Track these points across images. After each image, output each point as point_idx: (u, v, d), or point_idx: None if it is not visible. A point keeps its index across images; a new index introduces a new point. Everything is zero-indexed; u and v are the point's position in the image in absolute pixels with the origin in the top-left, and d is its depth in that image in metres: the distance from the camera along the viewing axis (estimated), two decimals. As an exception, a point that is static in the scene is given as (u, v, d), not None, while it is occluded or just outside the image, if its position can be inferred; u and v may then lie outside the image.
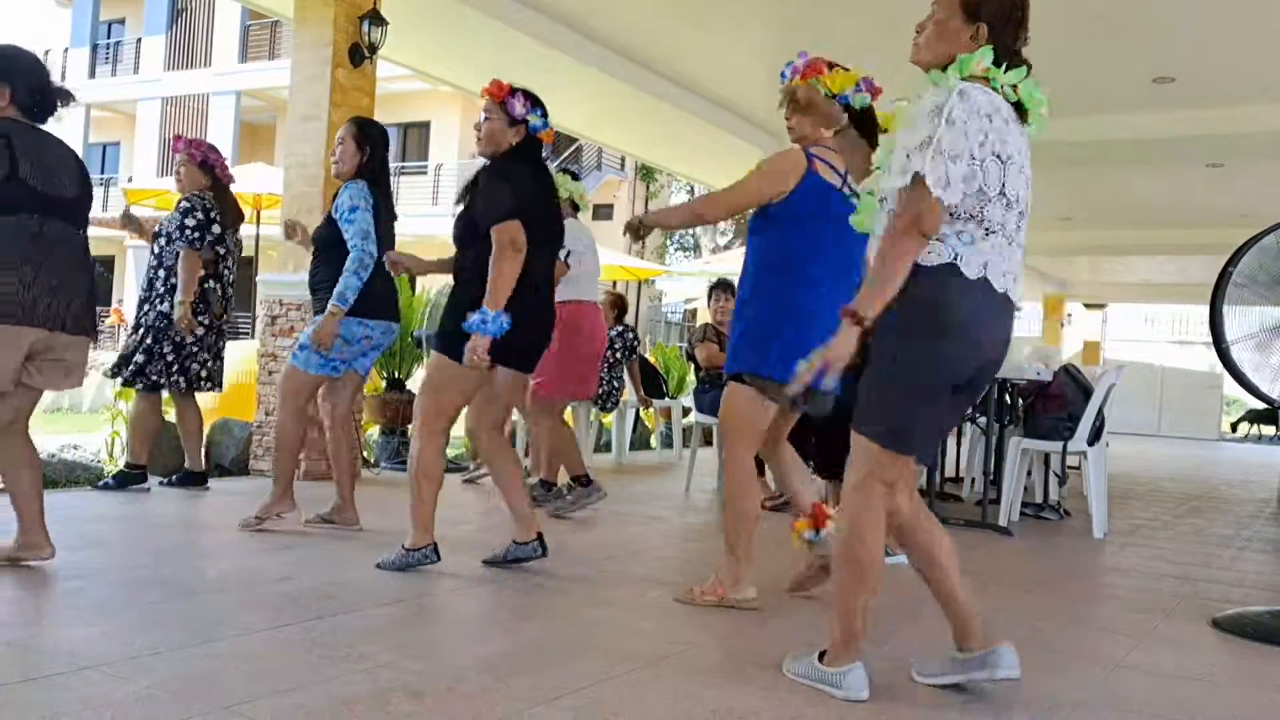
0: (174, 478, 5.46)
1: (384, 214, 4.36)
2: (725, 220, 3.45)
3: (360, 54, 6.25)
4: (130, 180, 21.80)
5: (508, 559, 3.80)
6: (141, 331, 5.21)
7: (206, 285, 5.23)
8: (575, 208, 5.59)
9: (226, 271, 5.35)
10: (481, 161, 3.84)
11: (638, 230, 3.57)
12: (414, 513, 3.68)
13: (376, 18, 6.29)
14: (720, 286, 6.65)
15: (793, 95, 3.35)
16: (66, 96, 3.41)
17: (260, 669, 2.49)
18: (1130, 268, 19.38)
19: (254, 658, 2.59)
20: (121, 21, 27.89)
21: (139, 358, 5.18)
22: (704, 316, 6.22)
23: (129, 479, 5.21)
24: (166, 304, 5.17)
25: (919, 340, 2.39)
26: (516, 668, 2.62)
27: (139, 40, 25.80)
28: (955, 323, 2.37)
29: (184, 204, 5.22)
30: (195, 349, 5.26)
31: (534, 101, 3.78)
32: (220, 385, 5.46)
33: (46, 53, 28.54)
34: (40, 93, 3.31)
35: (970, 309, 2.38)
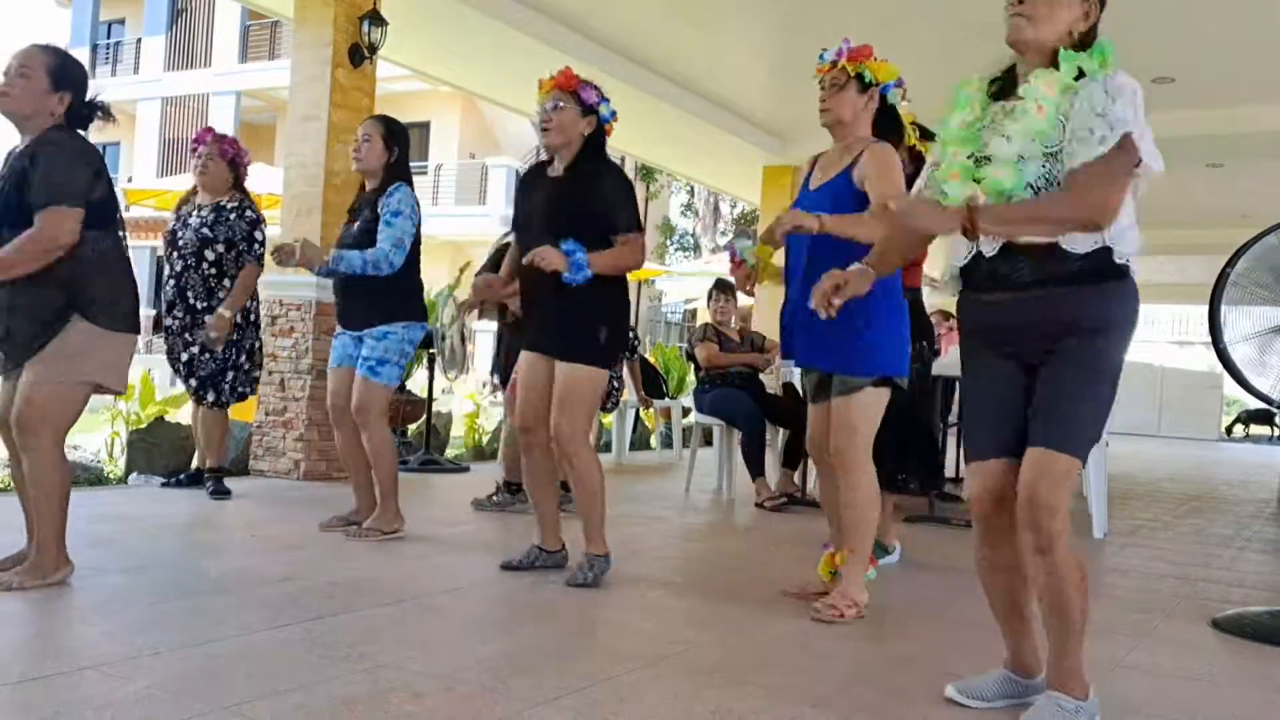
0: (182, 477, 5.45)
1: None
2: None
3: (360, 54, 6.25)
4: (130, 180, 21.77)
5: (535, 565, 3.78)
6: (220, 349, 5.07)
7: (257, 289, 5.26)
8: None
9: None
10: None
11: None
12: (596, 525, 3.63)
13: (376, 18, 6.29)
14: (720, 287, 6.64)
15: (845, 79, 3.32)
16: (109, 114, 3.38)
17: (260, 669, 2.49)
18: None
19: (254, 658, 2.59)
20: (121, 21, 27.88)
21: (230, 374, 5.15)
22: (704, 316, 6.21)
23: (220, 485, 5.17)
24: (238, 317, 5.08)
25: (1124, 346, 2.30)
26: (516, 668, 2.62)
27: (139, 40, 25.78)
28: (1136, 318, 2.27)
29: (250, 214, 5.11)
30: (258, 352, 5.30)
31: (600, 92, 3.71)
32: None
33: (46, 53, 28.54)
34: (89, 106, 3.30)
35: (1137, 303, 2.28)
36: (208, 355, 5.09)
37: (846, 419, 3.33)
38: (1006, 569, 2.40)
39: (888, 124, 3.42)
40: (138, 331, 3.25)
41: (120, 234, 3.24)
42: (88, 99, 3.28)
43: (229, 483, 5.30)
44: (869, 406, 3.33)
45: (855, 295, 2.59)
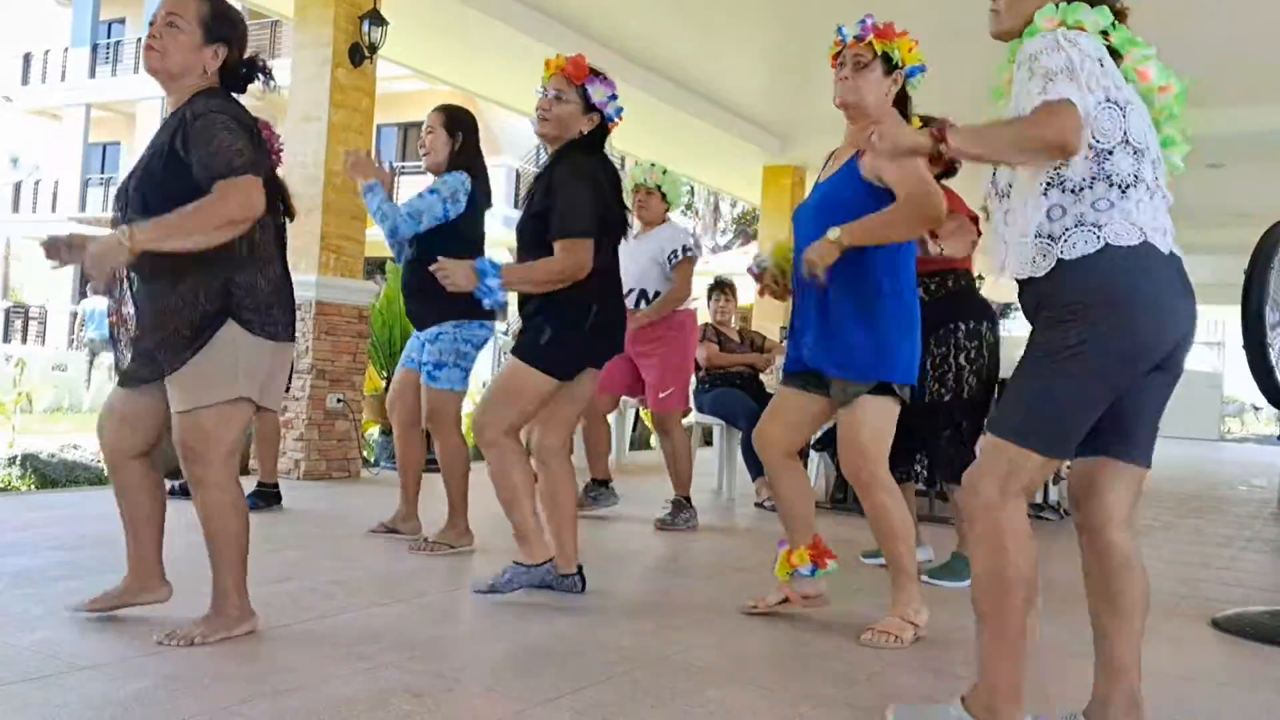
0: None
1: (480, 205, 4.12)
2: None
3: (360, 54, 6.25)
4: (130, 180, 21.73)
5: (544, 584, 3.38)
6: None
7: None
8: (669, 207, 5.45)
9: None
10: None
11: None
12: (518, 529, 3.35)
13: (376, 18, 6.29)
14: (720, 286, 6.64)
15: (862, 58, 3.08)
16: (270, 76, 2.86)
17: (260, 669, 2.49)
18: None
19: (254, 658, 2.59)
20: (121, 21, 27.88)
21: None
22: (704, 316, 6.20)
23: (270, 499, 4.89)
24: None
25: (1096, 333, 2.07)
26: (516, 668, 2.62)
27: (139, 40, 25.75)
28: (1128, 303, 2.04)
29: None
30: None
31: (614, 88, 3.42)
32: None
33: (46, 53, 28.57)
34: (248, 65, 2.82)
35: (1141, 283, 2.05)
36: None
37: (853, 437, 3.09)
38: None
39: (903, 114, 3.12)
40: (292, 339, 2.83)
41: (279, 225, 2.83)
42: (246, 56, 2.81)
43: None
44: (872, 421, 3.07)
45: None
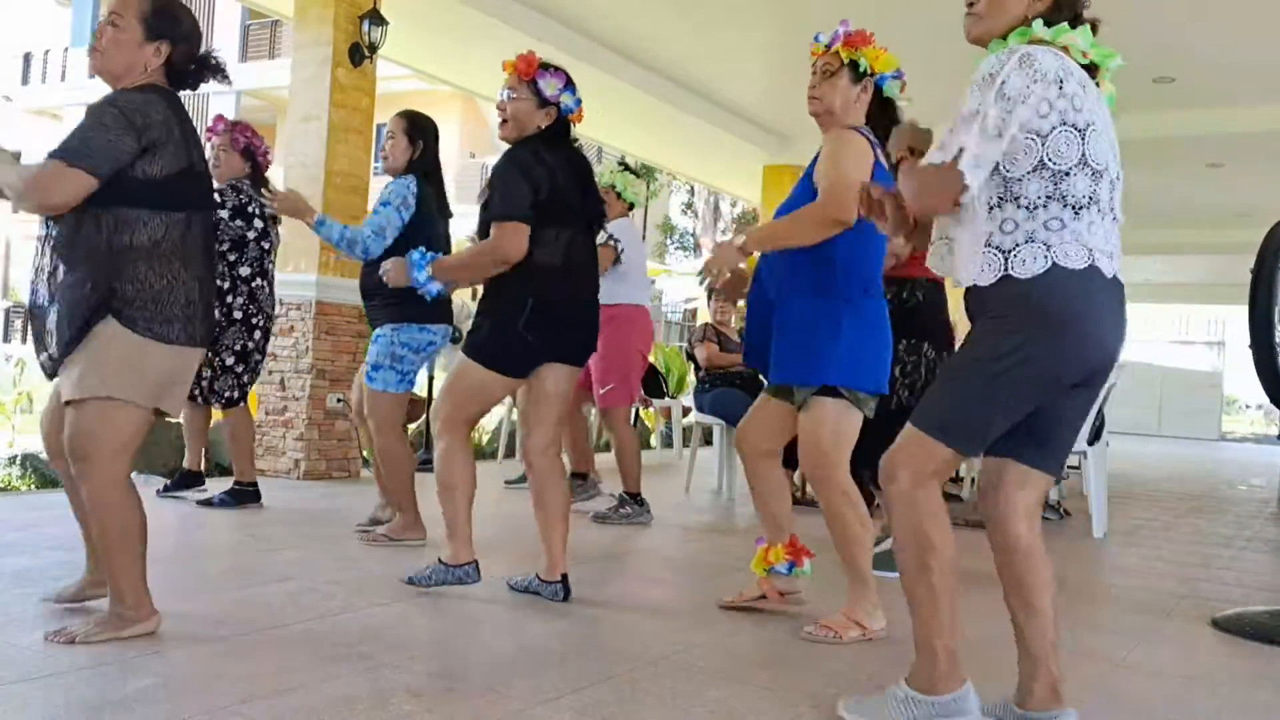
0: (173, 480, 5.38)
1: (438, 211, 4.19)
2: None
3: (360, 54, 6.25)
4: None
5: (528, 589, 3.41)
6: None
7: (255, 284, 4.90)
8: (630, 206, 5.45)
9: (272, 267, 5.01)
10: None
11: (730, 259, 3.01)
12: (449, 527, 3.35)
13: (376, 18, 6.29)
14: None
15: (832, 66, 3.08)
16: (223, 75, 2.81)
17: (260, 669, 2.49)
18: (1130, 268, 19.33)
19: (254, 658, 2.59)
20: (121, 21, 27.84)
21: (205, 374, 4.84)
22: (704, 316, 6.20)
23: (245, 496, 4.93)
24: (215, 311, 4.74)
25: (1017, 339, 2.14)
26: (516, 668, 2.62)
27: (139, 40, 25.79)
28: (1064, 325, 2.11)
29: (223, 199, 4.78)
30: (255, 353, 4.97)
31: (566, 79, 3.36)
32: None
33: (46, 53, 28.56)
34: (197, 62, 2.76)
35: (1081, 307, 2.10)
36: None
37: (806, 438, 3.08)
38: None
39: (884, 119, 3.16)
40: (195, 344, 2.69)
41: (197, 224, 2.68)
42: (199, 53, 2.74)
43: (228, 483, 5.22)
44: (827, 423, 3.04)
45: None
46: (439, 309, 4.17)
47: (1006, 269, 2.12)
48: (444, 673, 2.53)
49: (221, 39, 23.58)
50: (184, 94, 2.80)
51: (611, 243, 5.16)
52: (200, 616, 2.95)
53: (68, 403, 2.59)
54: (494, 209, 3.21)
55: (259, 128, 5.39)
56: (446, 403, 3.33)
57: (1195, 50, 7.37)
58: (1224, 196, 11.83)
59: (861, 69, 3.09)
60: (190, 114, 2.75)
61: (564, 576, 3.35)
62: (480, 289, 3.43)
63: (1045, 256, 2.09)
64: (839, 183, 2.91)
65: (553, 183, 3.25)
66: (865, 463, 3.28)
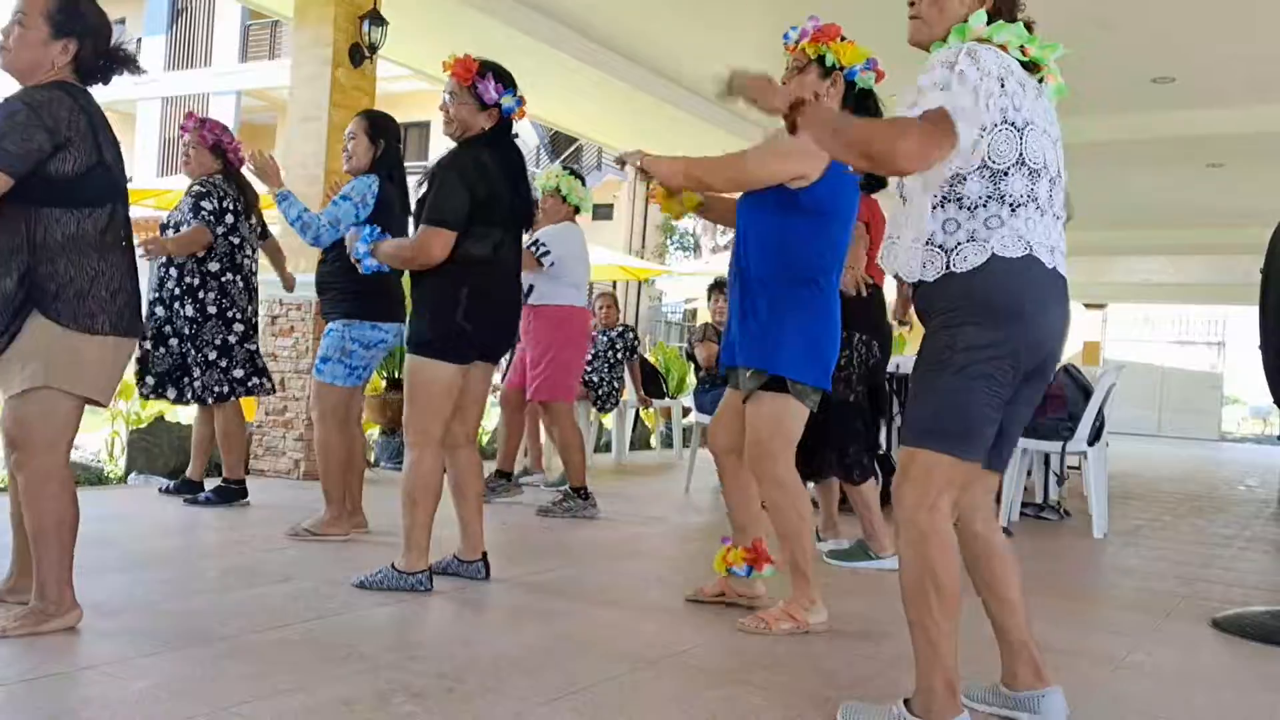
0: (170, 485, 5.32)
1: (399, 209, 4.24)
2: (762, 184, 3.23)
3: (360, 54, 6.25)
4: (130, 180, 21.73)
5: (446, 571, 3.57)
6: (175, 342, 4.82)
7: (225, 279, 4.86)
8: (576, 210, 5.55)
9: (246, 261, 4.99)
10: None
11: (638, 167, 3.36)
12: (406, 533, 3.39)
13: (376, 18, 6.29)
14: (720, 286, 6.64)
15: (802, 64, 3.12)
16: (135, 67, 2.84)
17: (260, 669, 2.49)
18: (1130, 268, 19.39)
19: (254, 658, 2.59)
20: (121, 21, 27.81)
21: (196, 371, 4.82)
22: (704, 316, 6.20)
23: (231, 494, 4.96)
24: (190, 307, 4.81)
25: (975, 330, 2.17)
26: (517, 668, 2.62)
27: (139, 40, 25.70)
28: (1010, 311, 2.14)
29: (197, 188, 4.84)
30: (237, 346, 4.90)
31: (505, 80, 3.46)
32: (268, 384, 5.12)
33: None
34: (106, 57, 2.79)
35: (1023, 293, 2.14)
36: (162, 350, 4.84)
37: (751, 433, 3.13)
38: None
39: (864, 110, 3.12)
40: (122, 334, 2.72)
41: (113, 216, 2.71)
42: (108, 48, 2.78)
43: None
44: (768, 416, 3.10)
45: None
46: (393, 308, 4.28)
47: (949, 266, 2.17)
48: (444, 673, 2.53)
49: (222, 39, 23.61)
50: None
51: (533, 248, 5.25)
52: (200, 616, 2.95)
53: (10, 397, 2.64)
54: (428, 212, 3.32)
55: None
56: (412, 414, 3.41)
57: (1195, 50, 7.37)
58: (1224, 196, 11.83)
59: (829, 63, 3.13)
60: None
61: (484, 555, 3.60)
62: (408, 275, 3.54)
63: (985, 249, 2.14)
64: (765, 160, 3.14)
65: (490, 188, 3.37)
66: (806, 459, 3.44)
